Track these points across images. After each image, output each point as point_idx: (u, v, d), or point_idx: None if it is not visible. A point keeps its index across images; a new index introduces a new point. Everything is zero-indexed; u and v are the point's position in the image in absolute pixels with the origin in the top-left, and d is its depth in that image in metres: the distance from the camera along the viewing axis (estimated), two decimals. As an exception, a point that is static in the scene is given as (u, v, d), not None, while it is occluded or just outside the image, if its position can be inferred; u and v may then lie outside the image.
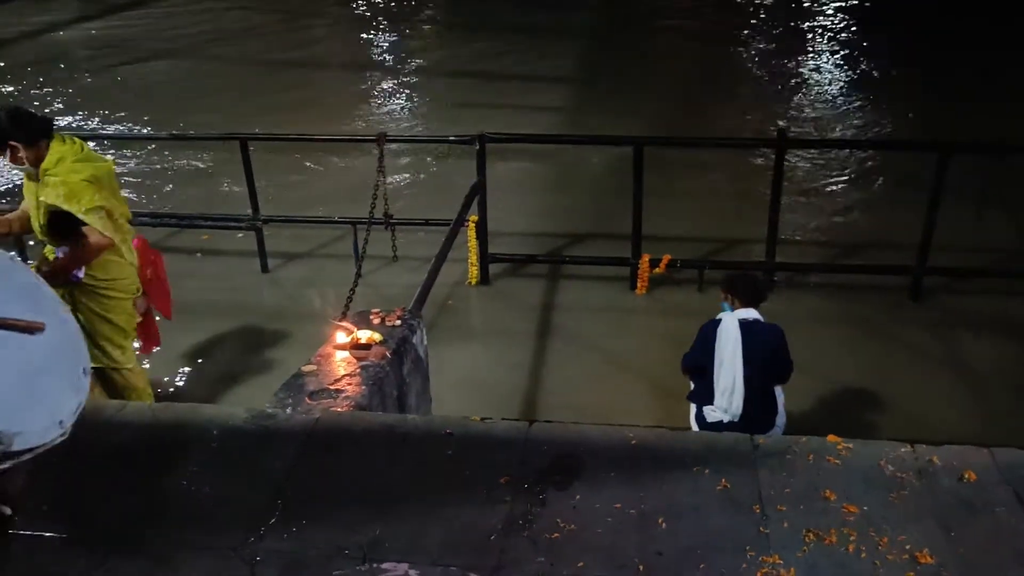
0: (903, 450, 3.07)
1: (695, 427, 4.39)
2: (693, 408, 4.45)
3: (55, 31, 15.74)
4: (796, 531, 2.74)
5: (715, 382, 4.24)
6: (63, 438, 1.67)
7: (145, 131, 10.41)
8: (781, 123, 10.01)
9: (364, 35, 15.35)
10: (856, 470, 2.99)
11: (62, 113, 11.36)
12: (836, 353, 5.77)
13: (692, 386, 4.53)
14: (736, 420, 4.21)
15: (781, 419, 4.38)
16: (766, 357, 4.26)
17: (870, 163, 8.86)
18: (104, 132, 10.32)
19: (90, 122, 11.00)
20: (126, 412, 3.50)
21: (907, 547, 2.66)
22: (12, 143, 3.93)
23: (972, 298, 6.42)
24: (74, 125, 10.83)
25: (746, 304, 4.39)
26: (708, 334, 4.33)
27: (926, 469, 2.98)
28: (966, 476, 2.93)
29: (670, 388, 5.14)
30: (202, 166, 9.19)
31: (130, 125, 10.73)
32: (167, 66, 13.59)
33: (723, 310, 4.45)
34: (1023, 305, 6.01)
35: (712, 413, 4.27)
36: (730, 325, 4.28)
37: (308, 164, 9.17)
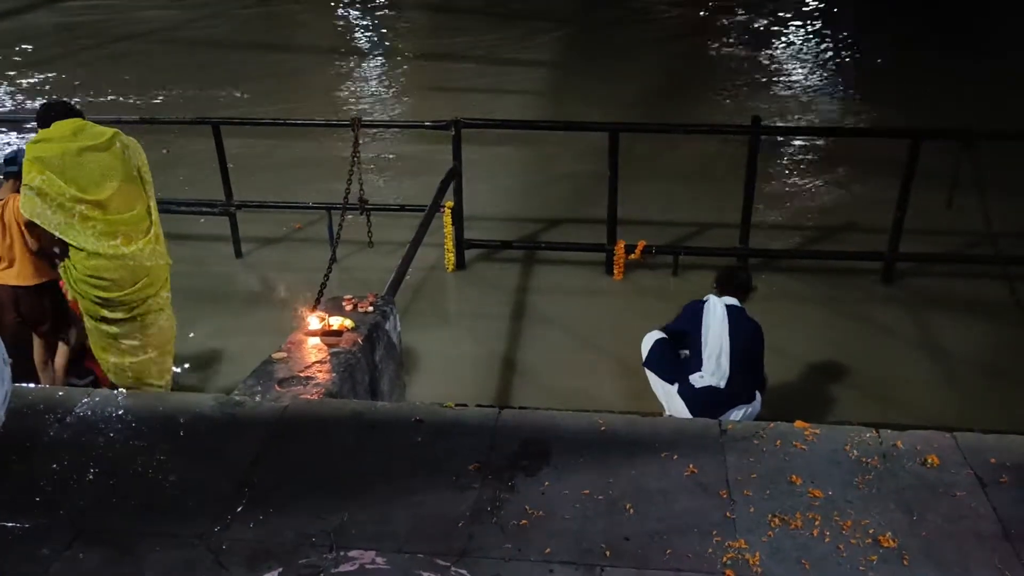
0: (868, 435, 3.11)
1: (678, 402, 4.40)
2: (674, 387, 4.46)
3: (23, 13, 15.47)
4: (762, 515, 2.77)
5: (703, 348, 4.35)
6: None
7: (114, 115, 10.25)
8: (756, 110, 10.04)
9: (340, 18, 15.21)
10: (822, 455, 3.02)
11: (34, 97, 11.20)
12: (808, 335, 5.82)
13: (662, 367, 4.56)
14: (722, 386, 4.29)
15: (759, 397, 4.46)
16: (748, 342, 4.40)
17: (843, 149, 8.91)
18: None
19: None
20: (92, 399, 3.46)
21: (870, 531, 2.69)
22: (41, 129, 4.33)
23: (943, 281, 6.49)
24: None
25: (728, 292, 4.50)
26: (696, 308, 4.49)
27: (890, 453, 3.02)
28: (929, 460, 2.97)
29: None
30: (174, 150, 9.07)
31: (102, 114, 10.56)
32: (138, 48, 13.40)
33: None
34: (993, 288, 6.06)
35: (700, 379, 4.33)
36: (716, 303, 4.47)
37: (282, 149, 9.08)
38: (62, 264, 4.36)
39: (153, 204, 4.43)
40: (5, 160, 4.74)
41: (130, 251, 4.23)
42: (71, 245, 4.16)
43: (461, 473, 2.97)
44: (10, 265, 4.64)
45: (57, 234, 4.14)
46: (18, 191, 4.57)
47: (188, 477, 3.00)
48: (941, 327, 5.93)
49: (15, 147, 4.90)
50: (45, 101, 4.60)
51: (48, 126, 4.25)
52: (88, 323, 4.47)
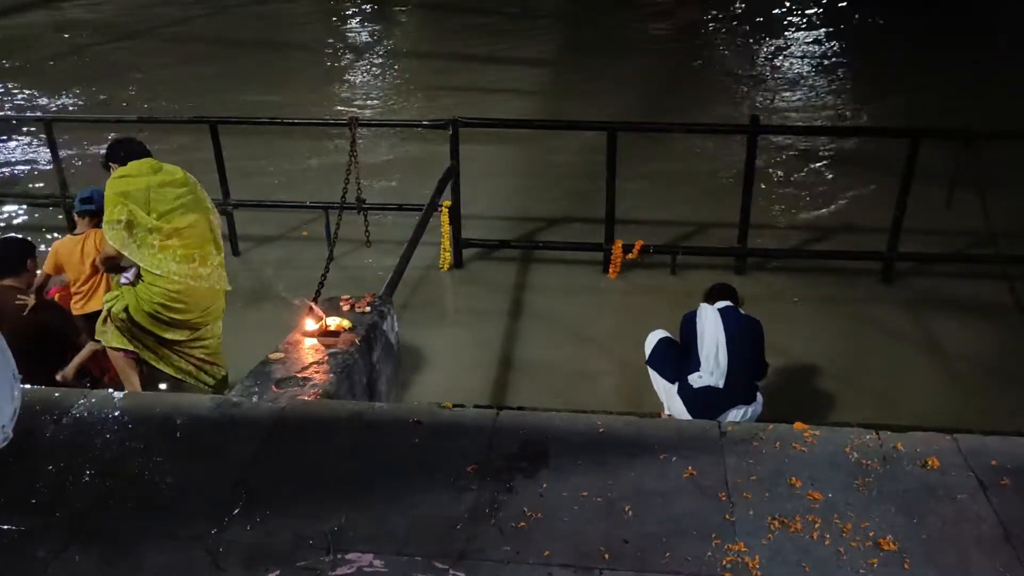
0: (868, 437, 3.09)
1: (677, 403, 4.41)
2: (674, 386, 4.47)
3: (21, 13, 15.43)
4: (761, 518, 2.75)
5: (699, 349, 4.37)
6: (5, 443, 1.65)
7: (112, 114, 10.23)
8: (754, 109, 10.04)
9: (337, 17, 15.18)
10: (822, 457, 3.01)
11: (28, 95, 11.16)
12: (808, 335, 5.80)
13: (664, 366, 4.58)
14: (721, 385, 4.29)
15: (760, 398, 4.45)
16: (745, 338, 4.40)
17: (842, 149, 8.90)
18: (71, 115, 10.13)
19: (57, 104, 10.81)
20: (89, 400, 3.44)
21: (870, 533, 2.68)
22: (112, 164, 4.60)
23: (943, 281, 6.47)
24: (39, 107, 10.64)
25: (718, 301, 4.53)
26: (690, 315, 4.54)
27: (890, 456, 3.00)
28: (929, 463, 2.95)
29: (644, 370, 5.13)
30: (172, 149, 9.04)
31: (99, 111, 10.54)
32: (135, 47, 13.37)
33: None
34: (993, 288, 6.06)
35: (698, 379, 4.33)
36: (707, 308, 4.49)
37: (280, 147, 9.05)
38: (128, 286, 4.56)
39: (218, 232, 4.74)
40: (80, 200, 4.98)
41: (206, 273, 4.58)
42: (153, 272, 4.42)
43: (459, 474, 2.96)
44: (89, 298, 4.92)
45: (140, 263, 4.42)
46: (96, 227, 4.85)
47: (185, 478, 2.98)
48: (941, 327, 5.92)
49: (91, 187, 5.06)
50: (116, 138, 4.86)
51: (125, 163, 4.54)
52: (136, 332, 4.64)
